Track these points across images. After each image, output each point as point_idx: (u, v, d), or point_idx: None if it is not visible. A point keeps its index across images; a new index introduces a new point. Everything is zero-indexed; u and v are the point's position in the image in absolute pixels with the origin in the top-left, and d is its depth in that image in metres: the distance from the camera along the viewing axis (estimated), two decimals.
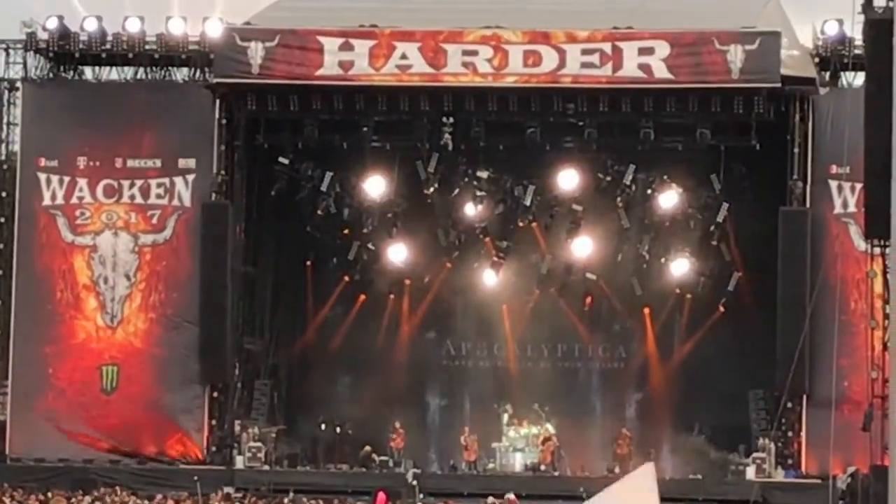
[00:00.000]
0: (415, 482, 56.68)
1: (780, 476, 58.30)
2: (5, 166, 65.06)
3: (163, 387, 63.70)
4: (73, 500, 39.40)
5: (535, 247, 66.05)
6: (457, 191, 64.95)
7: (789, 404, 60.39)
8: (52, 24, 64.61)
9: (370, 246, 65.96)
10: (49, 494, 43.74)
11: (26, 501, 38.17)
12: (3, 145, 65.41)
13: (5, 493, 45.15)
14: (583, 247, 65.20)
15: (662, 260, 65.02)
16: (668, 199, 64.02)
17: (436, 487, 56.32)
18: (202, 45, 63.98)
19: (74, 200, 64.05)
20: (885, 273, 49.20)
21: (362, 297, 66.83)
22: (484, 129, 63.17)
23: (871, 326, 55.58)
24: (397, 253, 65.91)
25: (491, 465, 61.79)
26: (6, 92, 65.79)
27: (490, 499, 50.52)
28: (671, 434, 62.77)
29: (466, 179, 64.66)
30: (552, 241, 65.78)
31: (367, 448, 63.84)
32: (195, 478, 54.27)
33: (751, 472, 58.37)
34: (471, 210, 65.22)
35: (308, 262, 66.76)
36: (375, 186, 64.31)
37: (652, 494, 8.00)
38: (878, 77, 40.28)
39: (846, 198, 58.75)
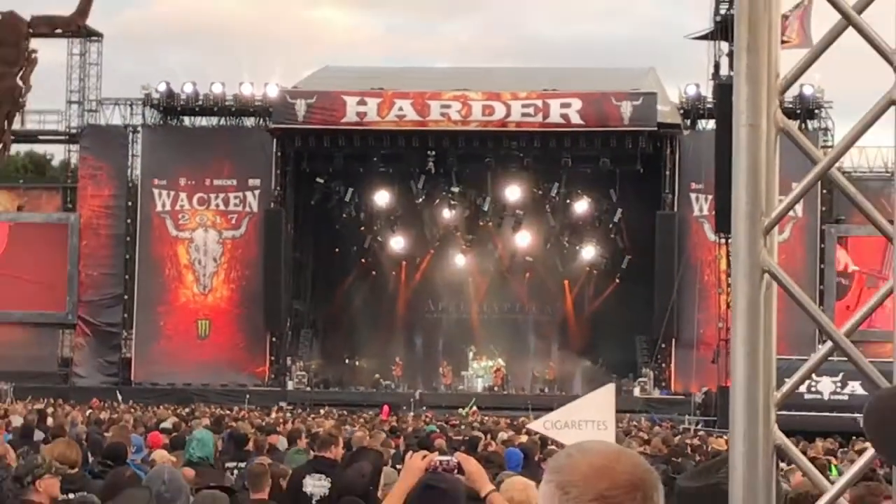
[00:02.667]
0: (418, 397, 57.13)
1: (656, 394, 58.47)
2: (130, 184, 65.17)
3: (239, 334, 63.99)
4: (178, 411, 39.51)
5: (491, 239, 66.18)
6: (437, 201, 65.07)
7: (663, 345, 60.78)
8: (162, 87, 64.61)
9: (378, 239, 66.12)
10: (160, 408, 43.79)
11: (145, 413, 38.25)
12: (129, 170, 65.48)
13: (131, 408, 45.18)
14: (523, 239, 65.44)
15: (577, 247, 65.34)
16: (581, 206, 64.25)
17: (424, 402, 56.52)
18: (264, 102, 64.12)
19: (177, 207, 64.21)
20: (727, 256, 49.52)
21: (373, 273, 66.90)
22: (456, 158, 63.39)
23: (718, 292, 56.10)
24: (397, 244, 66.04)
25: (461, 387, 61.91)
26: (131, 134, 65.90)
27: (463, 410, 50.46)
28: (582, 366, 62.66)
29: (444, 193, 64.74)
30: (502, 236, 65.92)
31: (377, 376, 64.07)
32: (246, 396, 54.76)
33: (637, 391, 58.55)
34: (447, 214, 65.38)
35: (336, 250, 66.68)
36: (382, 198, 64.48)
37: (610, 409, 8.12)
38: (724, 123, 40.62)
39: (702, 205, 59.11)
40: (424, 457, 8.43)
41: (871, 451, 3.59)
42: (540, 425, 8.01)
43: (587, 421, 7.43)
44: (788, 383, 3.44)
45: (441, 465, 8.09)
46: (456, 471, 8.14)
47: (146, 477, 9.10)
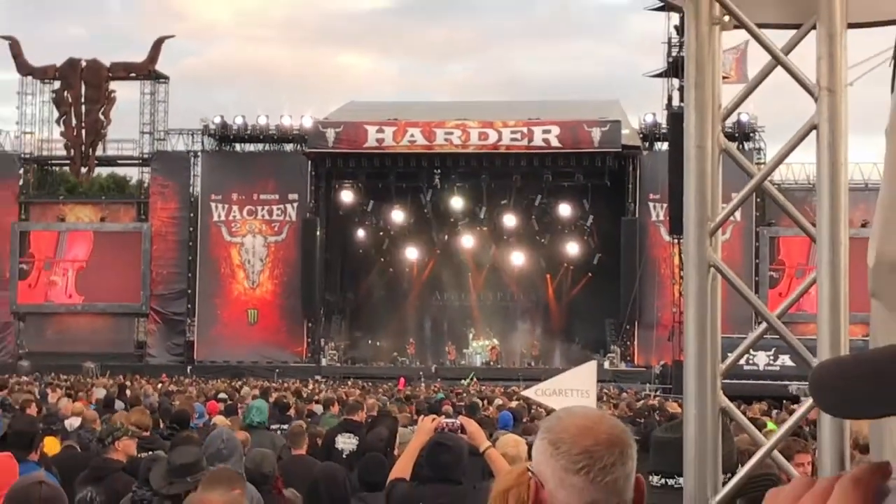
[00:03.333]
0: (434, 371, 57.20)
1: (622, 366, 58.24)
2: (192, 199, 65.07)
3: (281, 321, 63.94)
4: (232, 384, 39.57)
5: (486, 241, 66.07)
6: (442, 211, 65.18)
7: (627, 327, 60.53)
8: (217, 119, 64.54)
9: (394, 241, 66.13)
10: (217, 381, 43.86)
11: (205, 385, 38.33)
12: (191, 188, 65.48)
13: (194, 382, 45.22)
14: (512, 241, 65.37)
15: (556, 247, 65.03)
16: (559, 213, 63.93)
17: (430, 372, 56.51)
18: (300, 131, 63.90)
19: (230, 218, 64.16)
20: (680, 253, 49.53)
21: (390, 269, 66.74)
22: (457, 176, 63.30)
23: (672, 283, 56.06)
24: (409, 245, 65.86)
25: (463, 362, 61.65)
26: (192, 158, 65.87)
27: (465, 381, 50.42)
28: (561, 344, 62.56)
29: (448, 205, 64.91)
30: (495, 238, 65.84)
31: (394, 353, 63.84)
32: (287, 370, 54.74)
33: (606, 364, 58.43)
34: (449, 221, 65.46)
35: (360, 251, 66.61)
36: (396, 208, 64.37)
37: (592, 380, 8.06)
38: (676, 145, 40.58)
39: (658, 212, 58.91)
40: (434, 420, 8.47)
41: (798, 413, 3.59)
42: (532, 393, 8.03)
43: (573, 390, 7.44)
44: (731, 357, 3.44)
45: (447, 426, 8.12)
46: (459, 431, 8.17)
47: (207, 438, 9.08)
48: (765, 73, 3.39)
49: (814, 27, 3.26)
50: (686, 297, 3.31)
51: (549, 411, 8.86)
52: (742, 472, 3.28)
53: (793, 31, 3.41)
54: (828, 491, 1.12)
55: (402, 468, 8.16)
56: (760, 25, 3.38)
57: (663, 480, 4.07)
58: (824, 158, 3.19)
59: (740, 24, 3.29)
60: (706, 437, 3.20)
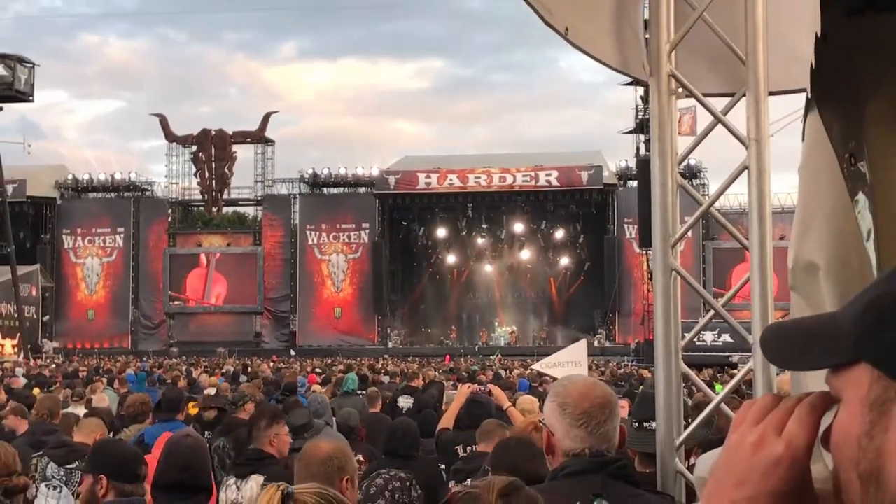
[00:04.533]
0: (477, 350, 56.86)
1: (607, 344, 57.89)
2: (293, 229, 65.07)
3: (357, 316, 63.72)
4: (324, 361, 39.67)
5: (506, 255, 65.95)
6: (474, 233, 65.13)
7: (610, 315, 60.40)
8: (310, 170, 64.84)
9: (439, 256, 66.07)
10: (313, 360, 43.95)
11: (305, 363, 38.52)
12: (292, 221, 65.33)
13: (296, 360, 45.31)
14: (524, 255, 65.37)
15: (557, 259, 64.91)
16: (558, 234, 63.95)
17: (468, 350, 56.36)
18: (370, 177, 63.90)
19: (321, 242, 64.15)
20: (648, 261, 49.31)
21: (437, 277, 66.54)
22: (484, 208, 63.28)
23: (643, 283, 55.67)
24: (450, 259, 65.74)
25: (491, 343, 61.48)
26: (292, 199, 65.80)
27: (493, 357, 50.33)
28: (561, 329, 62.30)
29: (478, 229, 64.91)
30: (513, 253, 65.70)
31: (441, 337, 63.93)
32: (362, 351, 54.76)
33: (595, 343, 58.08)
34: (479, 241, 65.25)
35: (414, 263, 66.59)
36: (440, 232, 64.36)
37: (583, 354, 8.00)
38: (644, 183, 40.24)
39: (631, 231, 58.38)
40: (469, 386, 8.50)
41: (738, 376, 3.58)
42: (539, 366, 8.01)
43: (569, 362, 7.39)
44: (688, 336, 3.43)
45: (479, 390, 8.14)
46: (488, 394, 8.18)
47: (307, 401, 9.10)
48: (708, 130, 3.39)
49: (744, 95, 3.25)
50: (655, 293, 3.31)
51: (553, 379, 8.85)
52: (699, 418, 3.27)
53: (729, 98, 3.40)
54: (790, 411, 1.14)
55: (447, 420, 8.17)
56: (705, 94, 3.37)
57: (642, 424, 4.07)
58: (753, 190, 3.18)
59: (691, 94, 3.29)
60: (671, 394, 3.20)
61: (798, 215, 2.58)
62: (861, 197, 2.54)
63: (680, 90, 3.32)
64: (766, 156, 3.19)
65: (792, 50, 2.84)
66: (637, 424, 4.07)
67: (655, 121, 3.29)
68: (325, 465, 4.06)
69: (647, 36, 3.37)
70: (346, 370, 27.47)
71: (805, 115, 2.57)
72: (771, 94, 3.29)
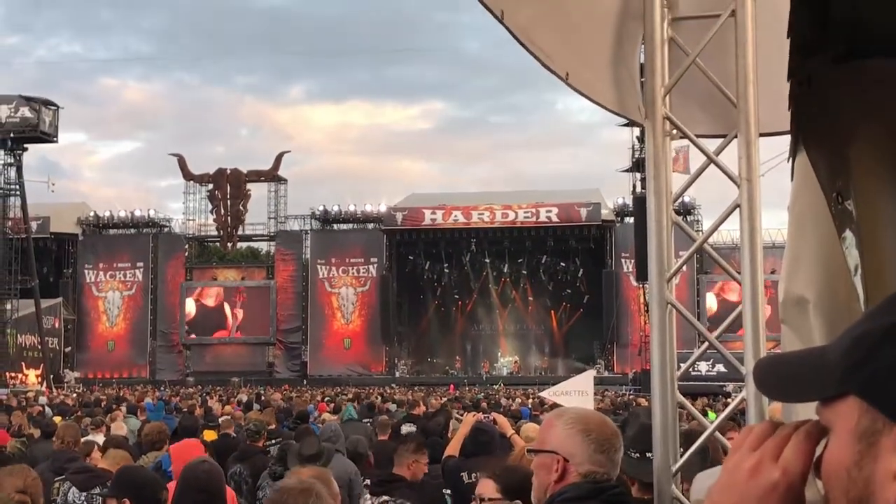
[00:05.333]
0: (485, 378, 56.74)
1: (606, 374, 57.70)
2: (304, 263, 64.99)
3: (366, 346, 63.53)
4: (334, 389, 39.54)
5: (508, 288, 65.92)
6: (477, 267, 65.15)
7: (609, 346, 60.30)
8: (321, 207, 65.20)
9: (445, 289, 66.09)
10: (325, 388, 43.82)
11: (315, 391, 38.47)
12: (303, 255, 65.40)
13: (307, 390, 45.16)
14: (526, 288, 65.34)
15: (558, 291, 64.98)
16: (559, 267, 64.05)
17: (472, 380, 56.20)
18: (378, 214, 64.13)
19: (331, 275, 64.09)
20: (644, 294, 49.25)
21: (442, 309, 66.51)
22: (487, 243, 63.47)
23: (640, 315, 55.51)
24: (455, 291, 65.74)
25: (494, 373, 61.38)
26: (304, 235, 65.96)
27: (496, 386, 50.20)
28: (562, 359, 62.30)
29: (481, 263, 64.93)
30: (515, 285, 65.64)
31: (447, 367, 63.82)
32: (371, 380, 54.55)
33: (594, 373, 57.90)
34: (482, 274, 65.32)
35: (421, 296, 66.60)
36: (445, 266, 64.48)
37: (589, 384, 7.96)
38: (640, 220, 40.28)
39: (628, 265, 58.19)
40: (474, 415, 8.47)
41: (732, 405, 3.57)
42: (547, 393, 7.99)
43: (576, 391, 7.37)
44: (683, 366, 3.43)
45: (484, 419, 8.10)
46: (492, 422, 8.16)
47: (320, 429, 9.08)
48: (701, 169, 3.40)
49: (735, 137, 3.27)
50: (651, 326, 3.31)
51: (555, 405, 8.83)
52: (695, 446, 3.26)
53: (722, 139, 3.41)
54: (786, 438, 1.16)
55: (452, 448, 8.14)
56: (699, 135, 3.38)
57: (644, 454, 4.06)
58: (745, 227, 3.18)
59: (684, 136, 3.30)
60: (668, 422, 3.19)
61: (788, 251, 2.58)
62: (848, 234, 2.55)
63: (674, 132, 3.34)
64: (756, 194, 3.20)
65: (782, 93, 2.85)
66: (638, 455, 4.06)
67: (651, 161, 3.30)
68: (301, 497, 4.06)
69: (642, 80, 3.39)
70: (354, 399, 27.49)
71: (793, 156, 2.59)
72: (762, 135, 3.30)
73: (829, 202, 2.51)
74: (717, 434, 3.35)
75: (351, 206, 65.41)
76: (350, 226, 66.21)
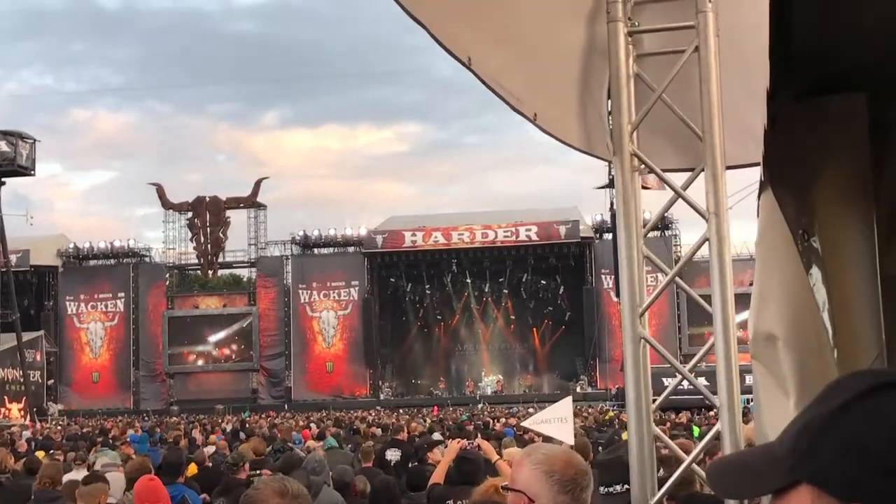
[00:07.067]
0: (478, 399, 56.50)
1: (589, 390, 57.73)
2: (286, 288, 64.80)
3: (349, 370, 63.33)
4: (318, 415, 39.39)
5: (490, 307, 65.93)
6: (458, 287, 65.13)
7: (591, 362, 60.27)
8: (301, 232, 65.10)
9: (427, 310, 66.01)
10: (309, 415, 43.62)
11: (299, 416, 38.26)
12: (284, 280, 65.20)
13: (287, 416, 44.96)
14: (508, 306, 65.31)
15: (539, 309, 64.97)
16: (539, 285, 64.09)
17: (456, 401, 56.07)
18: (358, 237, 64.05)
19: (311, 300, 63.94)
20: None
21: (425, 330, 66.27)
22: (468, 263, 63.45)
23: (622, 330, 55.38)
24: (437, 312, 65.66)
25: (478, 392, 61.20)
26: (284, 260, 65.76)
27: (479, 405, 50.05)
28: (547, 376, 62.39)
29: (463, 284, 64.93)
30: (497, 304, 65.66)
31: (430, 388, 63.58)
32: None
33: (578, 389, 57.88)
34: (464, 294, 65.29)
35: (403, 318, 66.43)
36: (427, 288, 64.46)
37: (568, 411, 7.88)
38: (616, 235, 40.32)
39: (608, 281, 58.22)
40: (459, 442, 8.44)
41: (705, 440, 3.57)
42: (528, 423, 7.97)
43: (555, 418, 7.34)
44: (658, 399, 3.43)
45: (469, 445, 8.09)
46: (477, 448, 8.14)
47: (306, 459, 9.05)
48: (669, 205, 3.41)
49: (703, 170, 3.29)
50: (625, 361, 3.31)
51: (540, 435, 8.82)
52: (672, 479, 3.26)
53: (689, 172, 3.43)
54: None
55: (437, 476, 8.13)
56: (667, 169, 3.40)
57: (607, 489, 4.09)
58: (714, 262, 3.20)
59: (652, 171, 3.32)
60: (644, 456, 3.19)
61: (756, 288, 2.60)
62: (815, 270, 2.56)
63: (643, 166, 3.36)
64: (724, 228, 3.22)
65: (748, 126, 2.88)
66: (605, 490, 4.08)
67: (620, 197, 3.32)
68: None
69: (611, 114, 3.41)
70: (336, 424, 27.43)
71: (759, 194, 2.61)
72: (728, 167, 3.33)
73: (795, 239, 2.53)
74: (695, 466, 3.35)
75: (331, 231, 65.38)
76: (330, 250, 66.09)
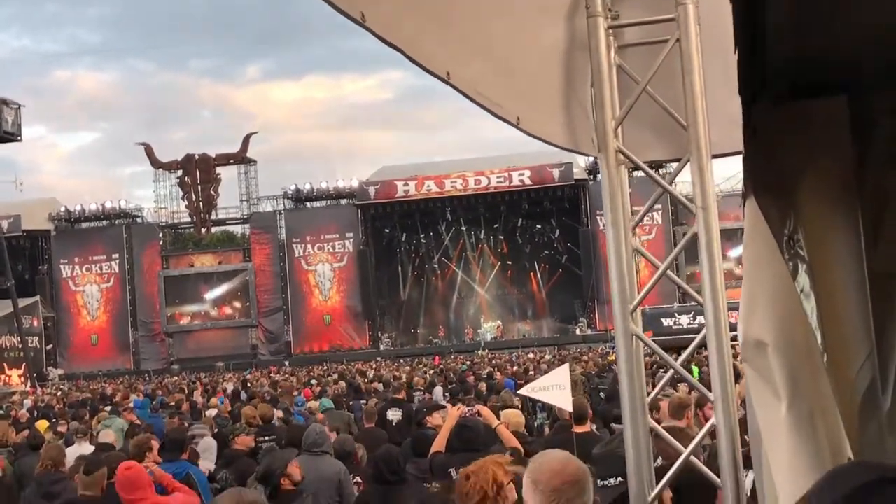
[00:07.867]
0: (482, 346, 56.64)
1: (588, 332, 58.07)
2: (280, 243, 64.71)
3: (347, 321, 63.34)
4: (321, 368, 39.68)
5: (487, 253, 66.01)
6: (454, 234, 65.17)
7: (590, 304, 60.19)
8: (293, 187, 64.71)
9: (423, 259, 66.12)
10: (312, 368, 43.86)
11: (300, 371, 38.50)
12: (279, 235, 65.14)
13: (287, 371, 45.22)
14: (504, 252, 65.37)
15: (536, 253, 65.11)
16: (535, 229, 64.16)
17: (457, 348, 56.29)
18: (350, 189, 63.79)
19: (307, 253, 63.87)
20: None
21: (421, 279, 66.43)
22: (462, 210, 63.43)
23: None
24: (433, 259, 65.82)
25: (478, 338, 61.37)
26: (277, 215, 65.67)
27: (480, 351, 50.27)
28: (546, 320, 62.67)
29: (458, 232, 64.94)
30: (493, 250, 65.73)
31: (430, 337, 63.89)
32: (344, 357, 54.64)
33: (577, 332, 58.28)
34: (459, 242, 65.36)
35: (399, 268, 66.58)
36: (421, 237, 64.47)
37: (566, 378, 7.89)
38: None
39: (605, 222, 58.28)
40: (459, 409, 8.50)
41: (702, 431, 3.60)
42: (527, 390, 7.99)
43: (553, 385, 7.37)
44: (653, 392, 3.45)
45: (469, 412, 8.14)
46: (477, 415, 8.20)
47: (306, 432, 9.09)
48: (656, 198, 3.42)
49: (689, 161, 3.29)
50: (618, 356, 3.33)
51: (536, 402, 8.87)
52: (669, 474, 3.29)
53: (675, 163, 3.43)
54: None
55: (438, 444, 8.21)
56: (654, 161, 3.40)
57: (602, 482, 4.14)
58: (704, 256, 3.21)
59: (637, 167, 3.32)
60: (640, 451, 3.22)
61: (744, 295, 2.61)
62: (802, 276, 2.58)
63: (628, 161, 3.35)
64: (713, 222, 3.22)
65: (732, 114, 2.88)
66: (599, 483, 4.13)
67: (607, 192, 3.32)
68: None
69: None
70: (339, 378, 27.55)
71: (743, 202, 2.61)
72: (714, 156, 3.33)
73: (780, 246, 2.54)
74: (693, 459, 3.38)
75: (323, 183, 65.14)
76: (323, 203, 65.94)
